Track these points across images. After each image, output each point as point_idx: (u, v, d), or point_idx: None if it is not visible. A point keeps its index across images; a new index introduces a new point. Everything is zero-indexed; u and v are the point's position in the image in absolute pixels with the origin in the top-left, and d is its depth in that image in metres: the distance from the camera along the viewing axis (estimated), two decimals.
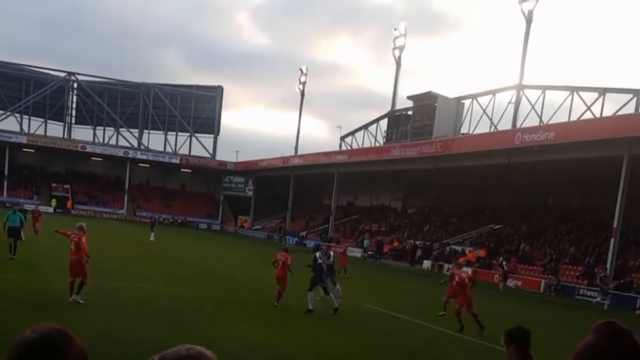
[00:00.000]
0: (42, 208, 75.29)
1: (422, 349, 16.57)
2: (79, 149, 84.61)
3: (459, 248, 54.12)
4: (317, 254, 20.62)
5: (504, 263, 41.86)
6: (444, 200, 66.05)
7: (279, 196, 77.59)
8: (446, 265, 48.11)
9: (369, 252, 58.46)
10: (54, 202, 78.87)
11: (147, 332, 13.35)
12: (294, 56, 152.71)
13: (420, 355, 15.97)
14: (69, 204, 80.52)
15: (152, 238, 46.39)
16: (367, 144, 69.55)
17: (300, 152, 77.37)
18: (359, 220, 73.15)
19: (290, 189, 75.26)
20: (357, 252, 59.00)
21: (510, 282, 42.78)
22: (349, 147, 71.79)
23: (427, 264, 53.15)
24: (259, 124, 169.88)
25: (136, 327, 14.11)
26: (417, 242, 57.66)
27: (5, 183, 79.52)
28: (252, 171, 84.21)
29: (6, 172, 79.37)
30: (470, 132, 57.31)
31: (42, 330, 1.80)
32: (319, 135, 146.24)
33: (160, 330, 13.65)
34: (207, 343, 1.88)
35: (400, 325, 19.84)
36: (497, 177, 53.23)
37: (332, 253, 22.49)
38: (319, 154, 70.36)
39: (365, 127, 71.31)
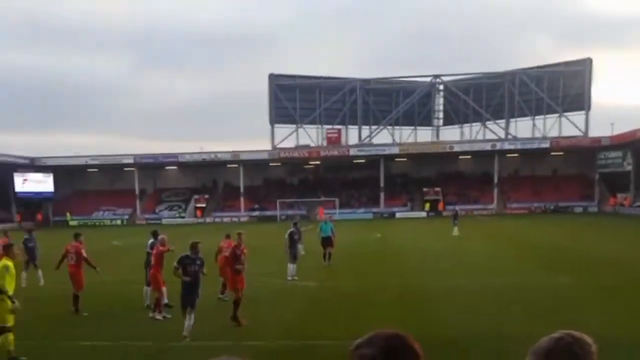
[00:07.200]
0: (415, 214, 79.84)
1: None
2: (448, 150, 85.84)
3: None
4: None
5: None
6: None
7: None
8: None
9: None
10: (427, 206, 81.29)
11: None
12: None
13: None
14: (440, 206, 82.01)
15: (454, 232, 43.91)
16: None
17: None
18: None
19: None
20: None
21: None
22: None
23: None
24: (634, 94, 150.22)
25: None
26: None
27: (382, 194, 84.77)
28: (631, 143, 75.32)
29: (382, 184, 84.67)
30: None
31: (376, 341, 2.00)
32: None
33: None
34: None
35: None
36: None
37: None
38: None
39: None
